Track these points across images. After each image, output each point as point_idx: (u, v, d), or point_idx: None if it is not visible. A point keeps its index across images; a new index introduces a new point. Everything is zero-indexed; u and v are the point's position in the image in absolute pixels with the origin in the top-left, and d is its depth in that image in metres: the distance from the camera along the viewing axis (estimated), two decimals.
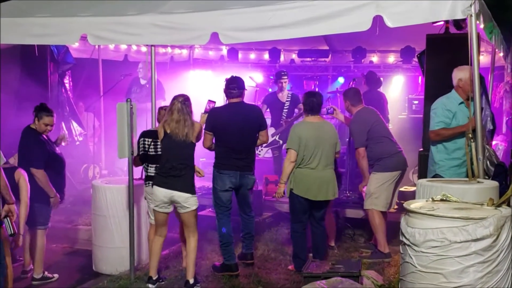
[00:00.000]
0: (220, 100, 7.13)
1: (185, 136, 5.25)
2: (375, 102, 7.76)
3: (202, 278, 5.67)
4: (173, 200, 5.30)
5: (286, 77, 8.97)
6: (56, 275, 5.93)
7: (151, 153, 5.68)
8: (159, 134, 5.39)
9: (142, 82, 9.37)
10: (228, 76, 6.13)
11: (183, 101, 5.31)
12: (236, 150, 5.86)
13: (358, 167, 6.61)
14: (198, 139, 5.44)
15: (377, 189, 6.26)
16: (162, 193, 5.28)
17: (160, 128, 5.39)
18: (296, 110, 8.97)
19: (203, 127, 5.71)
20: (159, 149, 5.61)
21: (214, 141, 5.95)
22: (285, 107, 8.92)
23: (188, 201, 5.28)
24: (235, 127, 5.83)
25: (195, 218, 5.42)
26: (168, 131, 5.27)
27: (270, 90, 10.62)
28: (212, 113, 5.93)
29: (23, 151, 5.77)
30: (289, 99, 8.98)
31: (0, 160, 4.56)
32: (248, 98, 8.90)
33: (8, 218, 4.64)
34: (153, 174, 5.65)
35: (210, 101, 5.89)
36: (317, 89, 10.22)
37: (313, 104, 5.78)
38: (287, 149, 5.77)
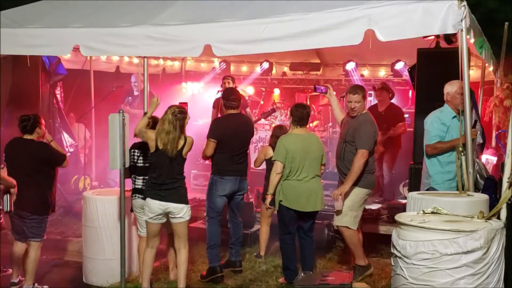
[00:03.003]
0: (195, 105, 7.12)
1: (178, 153, 5.26)
2: None
3: None
4: (168, 211, 5.30)
5: (229, 78, 8.89)
6: (46, 287, 5.87)
7: (139, 164, 5.67)
8: (151, 146, 5.36)
9: (136, 93, 9.38)
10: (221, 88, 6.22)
11: (176, 113, 5.28)
12: (237, 156, 6.10)
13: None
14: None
15: (358, 208, 5.82)
16: (157, 205, 5.28)
17: (151, 139, 5.32)
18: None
19: None
20: (148, 161, 5.62)
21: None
22: None
23: (182, 212, 5.31)
24: (237, 136, 6.08)
25: (187, 229, 5.44)
26: (161, 146, 5.25)
27: (262, 102, 10.66)
28: (218, 122, 6.17)
29: (49, 157, 5.79)
30: None
31: None
32: None
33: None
34: (140, 187, 5.65)
35: (181, 103, 5.85)
36: (308, 102, 10.26)
37: (302, 115, 5.78)
38: (274, 160, 5.79)
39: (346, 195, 5.72)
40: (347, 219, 5.75)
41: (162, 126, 5.26)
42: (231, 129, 6.03)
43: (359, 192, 5.77)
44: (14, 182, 4.81)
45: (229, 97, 6.15)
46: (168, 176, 5.30)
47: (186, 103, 5.80)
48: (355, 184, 5.71)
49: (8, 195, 4.68)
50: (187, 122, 5.66)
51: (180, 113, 5.30)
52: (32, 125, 5.77)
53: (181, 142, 5.29)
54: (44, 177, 5.76)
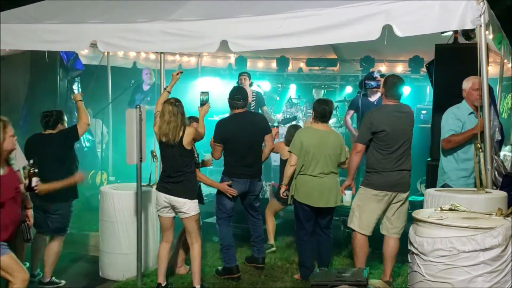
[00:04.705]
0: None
1: (178, 142, 5.20)
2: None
3: (208, 284, 5.68)
4: (173, 205, 5.31)
5: (245, 75, 8.97)
6: (63, 281, 5.91)
7: None
8: (157, 139, 5.38)
9: (145, 88, 9.43)
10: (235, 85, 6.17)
11: (174, 102, 5.26)
12: (246, 159, 5.95)
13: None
14: (194, 142, 5.44)
15: (366, 210, 5.46)
16: (162, 198, 5.32)
17: (156, 133, 5.36)
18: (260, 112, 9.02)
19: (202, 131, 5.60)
20: None
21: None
22: (251, 107, 8.85)
23: (185, 207, 5.27)
24: (244, 137, 5.92)
25: (196, 224, 5.40)
26: (163, 139, 5.24)
27: (277, 98, 10.65)
28: (220, 125, 5.99)
29: (65, 138, 5.78)
30: (254, 98, 8.99)
31: (21, 162, 4.55)
32: None
33: (25, 223, 4.67)
34: None
35: (202, 92, 5.83)
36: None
37: (325, 111, 5.75)
38: (289, 152, 5.79)
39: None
40: (352, 219, 5.49)
41: (163, 118, 5.24)
42: (237, 131, 5.91)
43: (363, 192, 5.45)
44: (31, 203, 4.85)
45: (234, 96, 6.02)
46: (173, 169, 5.29)
47: (207, 92, 5.78)
48: (362, 183, 5.53)
49: (24, 224, 4.69)
50: (207, 110, 5.66)
51: (177, 101, 5.29)
52: (54, 121, 5.76)
53: (181, 133, 5.23)
54: (66, 171, 5.77)
